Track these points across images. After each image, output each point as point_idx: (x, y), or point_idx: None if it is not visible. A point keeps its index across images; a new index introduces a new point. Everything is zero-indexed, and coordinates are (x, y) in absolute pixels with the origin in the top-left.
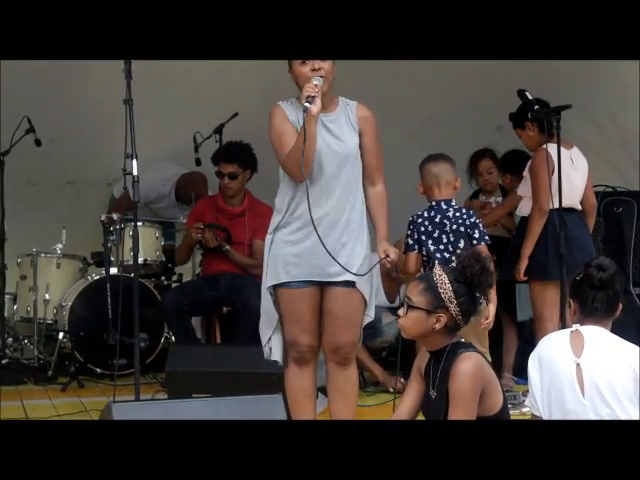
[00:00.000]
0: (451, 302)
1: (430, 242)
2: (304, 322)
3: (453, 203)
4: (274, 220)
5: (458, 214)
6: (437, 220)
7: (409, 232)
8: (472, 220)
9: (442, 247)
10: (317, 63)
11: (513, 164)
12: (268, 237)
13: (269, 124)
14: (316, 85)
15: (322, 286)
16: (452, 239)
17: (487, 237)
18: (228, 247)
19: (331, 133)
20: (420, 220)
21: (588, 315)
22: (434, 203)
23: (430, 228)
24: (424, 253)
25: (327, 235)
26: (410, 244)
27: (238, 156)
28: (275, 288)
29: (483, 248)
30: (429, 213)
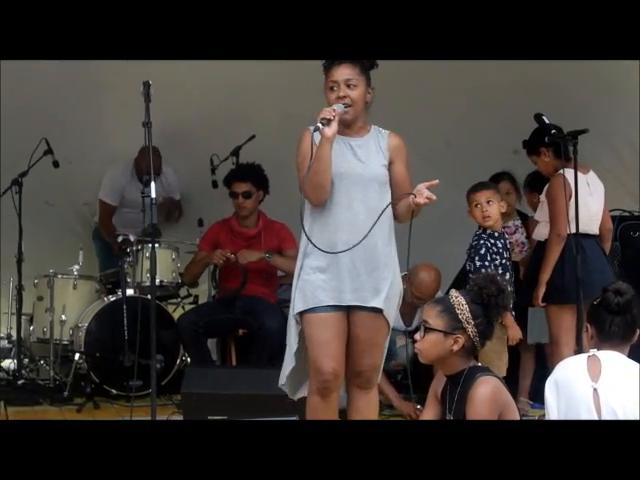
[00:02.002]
0: (469, 323)
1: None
2: (329, 348)
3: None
4: (301, 247)
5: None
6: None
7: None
8: (473, 243)
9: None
10: (343, 92)
11: (542, 183)
12: (297, 264)
13: (297, 148)
14: (334, 110)
15: (349, 311)
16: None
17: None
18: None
19: (357, 157)
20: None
21: (605, 340)
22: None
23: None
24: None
25: (353, 260)
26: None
27: (251, 175)
28: (302, 315)
29: None
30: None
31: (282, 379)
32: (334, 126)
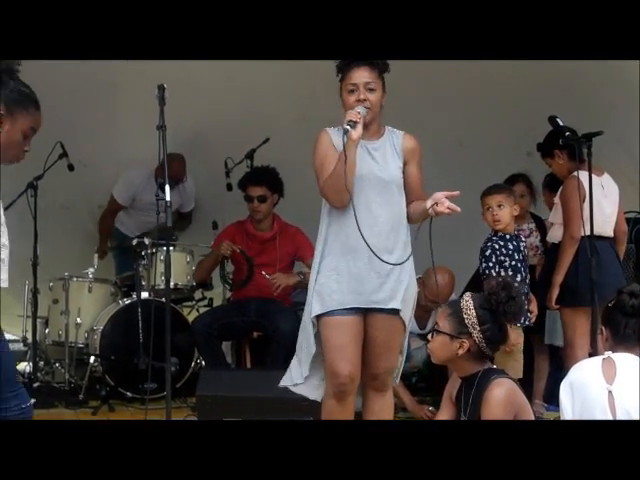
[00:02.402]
0: (474, 328)
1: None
2: (346, 351)
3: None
4: (318, 248)
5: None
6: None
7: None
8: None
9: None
10: (364, 95)
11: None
12: (314, 267)
13: (314, 148)
14: (359, 112)
15: (365, 314)
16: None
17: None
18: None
19: (375, 160)
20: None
21: (620, 342)
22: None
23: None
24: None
25: (371, 261)
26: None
27: (266, 179)
28: (318, 318)
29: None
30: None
31: (285, 381)
32: (359, 129)
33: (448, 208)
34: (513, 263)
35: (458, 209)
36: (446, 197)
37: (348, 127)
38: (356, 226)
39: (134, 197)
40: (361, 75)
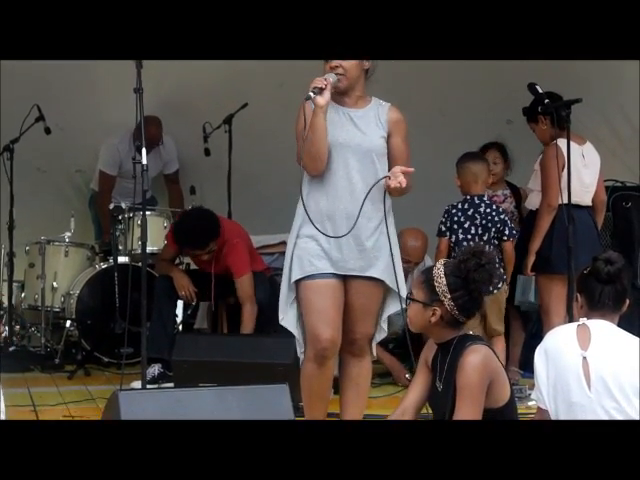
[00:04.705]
0: (445, 296)
1: (460, 231)
2: (327, 315)
3: (485, 198)
4: (298, 214)
5: (489, 210)
6: (469, 213)
7: (443, 219)
8: (502, 217)
9: (469, 237)
10: (335, 62)
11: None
12: (293, 231)
13: (296, 118)
14: (325, 79)
15: (345, 279)
16: (480, 232)
17: (515, 232)
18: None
19: (357, 127)
20: (454, 210)
21: (595, 309)
22: (469, 197)
23: (462, 219)
24: (452, 240)
25: (348, 228)
26: (442, 230)
27: (209, 235)
28: (298, 283)
29: (509, 244)
30: (463, 205)
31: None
32: (327, 95)
33: (399, 182)
34: (466, 226)
35: (404, 184)
36: (402, 172)
37: (311, 94)
38: (335, 194)
39: (120, 164)
40: None
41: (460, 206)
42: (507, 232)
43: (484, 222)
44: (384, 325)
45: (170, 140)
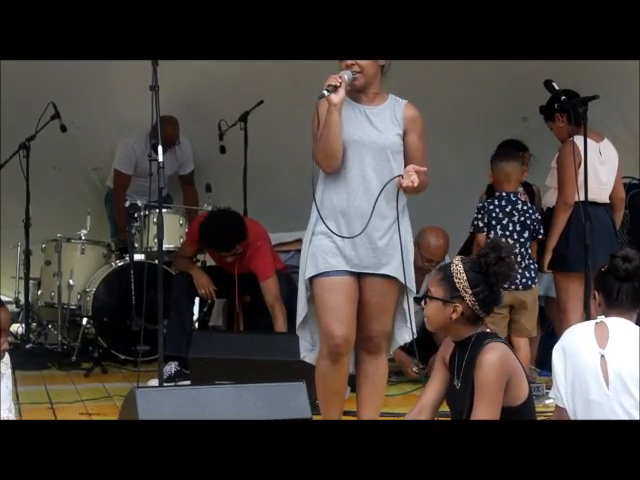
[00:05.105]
0: (466, 292)
1: (499, 227)
2: (341, 312)
3: (520, 196)
4: (313, 212)
5: (526, 207)
6: (507, 209)
7: (479, 215)
8: (537, 216)
9: (507, 234)
10: (351, 59)
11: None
12: (309, 229)
13: (312, 116)
14: (340, 77)
15: (360, 277)
16: (518, 229)
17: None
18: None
19: (373, 125)
20: (492, 207)
21: (613, 307)
22: (504, 194)
23: (501, 215)
24: (490, 237)
25: (362, 226)
26: (480, 226)
27: (236, 238)
28: (312, 280)
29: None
30: (500, 202)
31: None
32: (341, 93)
33: (411, 182)
34: (505, 222)
35: (416, 183)
36: (415, 171)
37: (325, 92)
38: (350, 191)
39: (136, 164)
40: None
41: (497, 202)
42: (542, 231)
43: (522, 219)
44: (411, 326)
45: (186, 141)
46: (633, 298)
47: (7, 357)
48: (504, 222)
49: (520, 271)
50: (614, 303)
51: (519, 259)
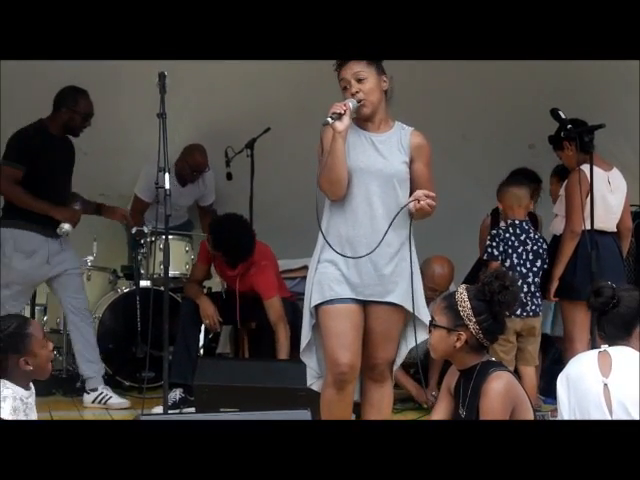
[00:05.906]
0: (470, 320)
1: (515, 256)
2: (346, 339)
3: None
4: (319, 240)
5: (537, 236)
6: (522, 238)
7: (494, 243)
8: (546, 245)
9: (522, 262)
10: (355, 87)
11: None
12: (315, 257)
13: (318, 142)
14: (344, 104)
15: (365, 304)
16: (531, 257)
17: None
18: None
19: (379, 152)
20: (507, 235)
21: (608, 339)
22: (517, 222)
23: (516, 243)
24: (507, 265)
25: (372, 254)
26: (495, 254)
27: (249, 250)
28: (317, 308)
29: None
30: (514, 230)
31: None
32: (346, 120)
33: (423, 206)
34: (520, 251)
35: (426, 207)
36: (425, 195)
37: (329, 119)
38: (355, 219)
39: (156, 192)
40: (348, 69)
41: (511, 230)
42: (548, 261)
43: (535, 248)
44: (406, 350)
45: (211, 173)
46: (617, 329)
47: (32, 388)
48: (519, 250)
49: (529, 298)
50: (607, 336)
51: (532, 288)
